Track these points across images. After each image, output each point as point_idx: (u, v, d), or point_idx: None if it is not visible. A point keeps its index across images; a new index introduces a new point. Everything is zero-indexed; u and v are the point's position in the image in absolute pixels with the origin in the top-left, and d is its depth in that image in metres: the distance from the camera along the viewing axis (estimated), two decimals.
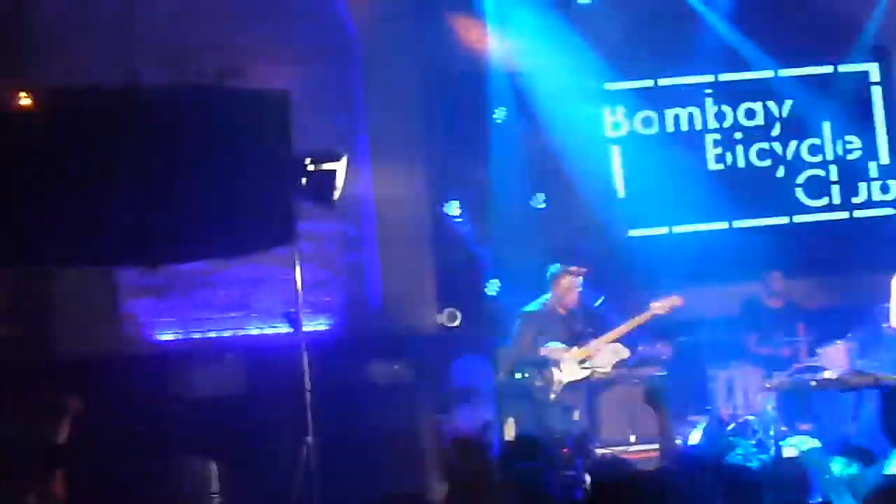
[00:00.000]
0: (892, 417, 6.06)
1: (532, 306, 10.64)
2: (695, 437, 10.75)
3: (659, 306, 10.61)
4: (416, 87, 11.80)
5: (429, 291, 11.78)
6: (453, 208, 12.04)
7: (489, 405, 11.31)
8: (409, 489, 8.82)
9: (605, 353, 11.09)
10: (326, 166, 9.08)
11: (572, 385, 10.36)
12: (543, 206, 12.46)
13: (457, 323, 11.72)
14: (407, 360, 11.22)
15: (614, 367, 11.33)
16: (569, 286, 10.56)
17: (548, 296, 10.62)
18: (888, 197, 13.31)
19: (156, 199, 8.53)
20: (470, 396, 11.47)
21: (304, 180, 9.00)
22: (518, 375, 11.18)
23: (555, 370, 10.33)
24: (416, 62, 11.96)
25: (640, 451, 10.56)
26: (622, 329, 10.55)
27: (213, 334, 11.11)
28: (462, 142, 12.16)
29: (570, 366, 10.36)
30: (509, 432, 10.65)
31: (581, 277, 10.64)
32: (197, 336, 11.10)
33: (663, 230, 13.04)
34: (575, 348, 10.40)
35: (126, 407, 9.94)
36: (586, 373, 10.41)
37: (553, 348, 10.33)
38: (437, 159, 11.91)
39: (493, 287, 12.22)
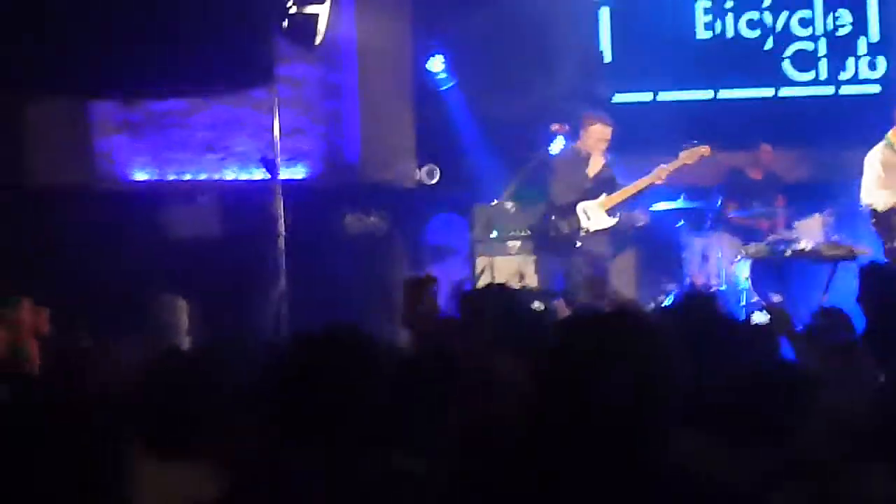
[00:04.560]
0: (867, 291, 6.07)
1: (557, 152, 10.30)
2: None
3: (687, 155, 10.32)
4: None
5: (408, 146, 11.63)
6: (437, 63, 11.81)
7: (464, 264, 11.28)
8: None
9: None
10: (309, 9, 8.90)
11: (598, 234, 10.20)
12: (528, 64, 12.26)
13: (435, 180, 11.61)
14: (383, 213, 11.14)
15: None
16: (601, 135, 10.29)
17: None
18: (874, 74, 13.18)
19: (132, 32, 8.37)
20: (444, 255, 11.42)
21: (285, 22, 8.83)
22: (493, 234, 11.13)
23: (581, 217, 10.13)
24: None
25: None
26: (647, 180, 10.26)
27: (188, 176, 10.97)
28: None
29: (597, 214, 10.13)
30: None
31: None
32: (172, 177, 10.94)
33: (648, 96, 12.92)
34: (603, 196, 10.12)
35: (98, 244, 9.85)
36: (613, 221, 10.17)
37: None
38: (424, 11, 11.66)
39: (473, 146, 12.09)
